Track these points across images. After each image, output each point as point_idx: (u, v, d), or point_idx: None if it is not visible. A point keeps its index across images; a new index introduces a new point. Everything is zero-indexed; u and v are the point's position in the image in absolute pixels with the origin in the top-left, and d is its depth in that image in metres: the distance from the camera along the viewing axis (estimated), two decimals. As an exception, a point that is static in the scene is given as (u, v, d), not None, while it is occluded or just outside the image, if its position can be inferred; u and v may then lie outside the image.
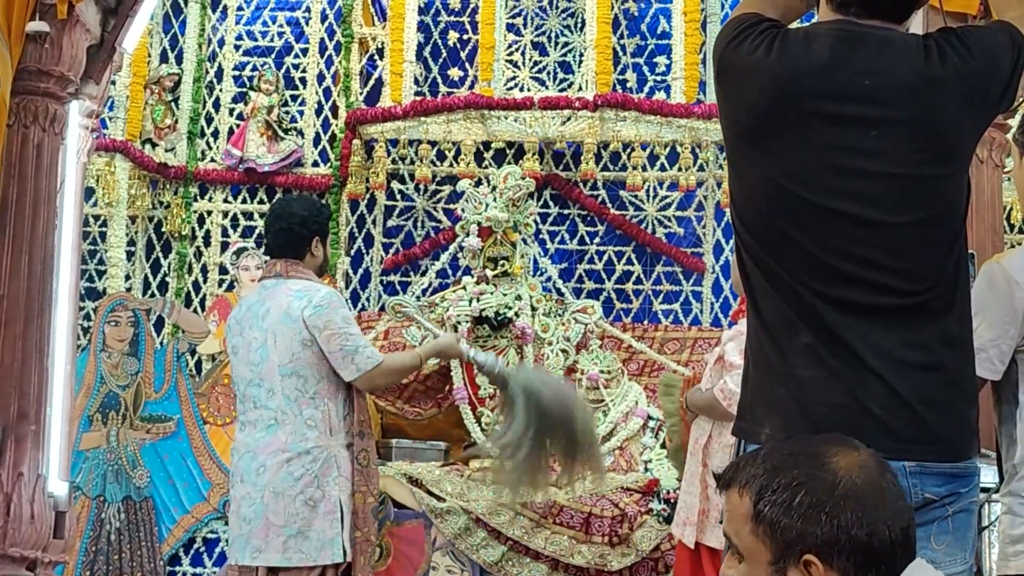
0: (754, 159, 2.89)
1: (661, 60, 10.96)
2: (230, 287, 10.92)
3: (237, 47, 11.60)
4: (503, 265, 9.25)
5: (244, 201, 11.39)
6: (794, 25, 3.07)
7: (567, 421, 5.90)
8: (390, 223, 11.20)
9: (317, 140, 11.39)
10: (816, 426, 2.77)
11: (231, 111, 11.50)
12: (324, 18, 11.54)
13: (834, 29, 2.89)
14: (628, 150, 10.64)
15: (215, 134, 11.47)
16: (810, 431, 2.77)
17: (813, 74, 2.84)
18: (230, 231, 11.32)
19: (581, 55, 10.86)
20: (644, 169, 10.65)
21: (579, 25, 10.98)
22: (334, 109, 11.38)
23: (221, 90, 11.54)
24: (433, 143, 10.74)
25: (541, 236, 10.95)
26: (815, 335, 2.81)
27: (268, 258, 6.43)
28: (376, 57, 11.30)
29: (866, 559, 2.39)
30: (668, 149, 10.75)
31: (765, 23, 2.94)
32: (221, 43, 11.60)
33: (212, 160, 11.38)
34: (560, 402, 5.93)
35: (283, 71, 11.48)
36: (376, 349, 6.25)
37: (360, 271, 11.10)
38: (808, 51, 2.86)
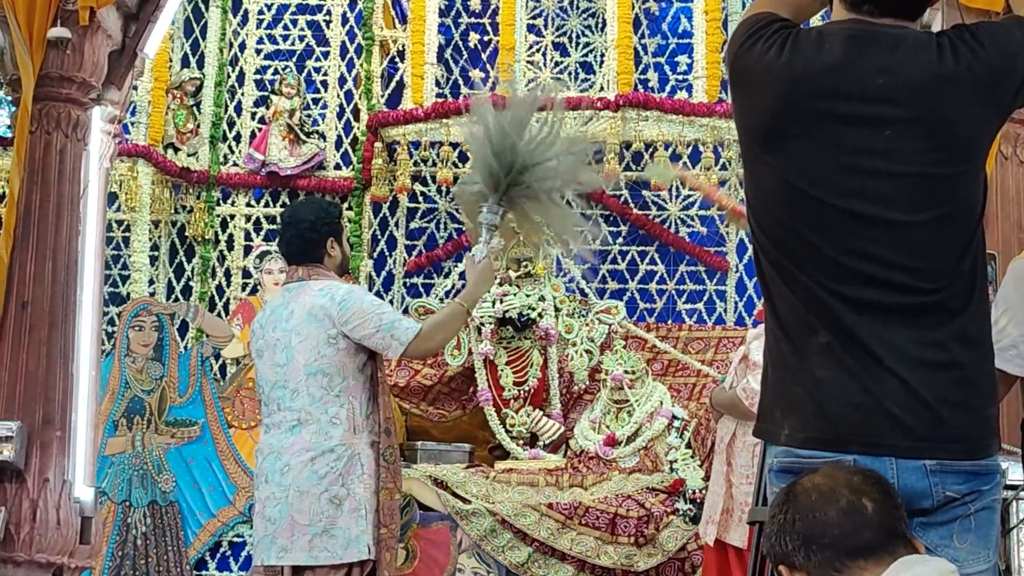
0: (768, 160, 2.88)
1: (682, 59, 10.95)
2: (253, 291, 10.94)
3: (258, 51, 11.63)
4: (526, 266, 9.25)
5: (267, 205, 11.41)
6: (815, 20, 3.06)
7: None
8: (412, 225, 11.21)
9: (339, 143, 11.41)
10: (834, 426, 2.77)
11: (253, 115, 11.53)
12: (345, 21, 11.56)
13: (846, 28, 2.87)
14: (650, 149, 10.62)
15: (237, 138, 11.50)
16: (828, 431, 2.77)
17: (825, 74, 2.83)
18: (253, 235, 11.34)
19: (602, 55, 10.85)
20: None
21: (600, 25, 10.98)
22: (355, 112, 11.40)
23: (243, 94, 11.57)
24: (455, 145, 10.73)
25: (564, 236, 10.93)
26: (832, 335, 2.80)
27: (289, 265, 6.44)
28: (397, 59, 11.32)
29: (822, 548, 2.56)
30: (690, 148, 10.74)
31: (777, 23, 2.93)
32: (242, 47, 11.63)
33: (234, 164, 11.41)
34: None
35: (304, 74, 11.50)
36: (412, 320, 6.23)
37: (383, 273, 11.11)
38: (820, 51, 2.84)
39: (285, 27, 11.66)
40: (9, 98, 9.21)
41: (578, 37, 11.11)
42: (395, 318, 6.05)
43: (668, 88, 10.92)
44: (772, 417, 2.89)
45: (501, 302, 9.12)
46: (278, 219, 11.08)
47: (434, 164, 10.90)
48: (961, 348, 2.79)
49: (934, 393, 2.75)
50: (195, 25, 11.60)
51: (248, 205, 11.42)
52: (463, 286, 9.89)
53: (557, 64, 11.03)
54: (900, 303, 2.78)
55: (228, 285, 11.29)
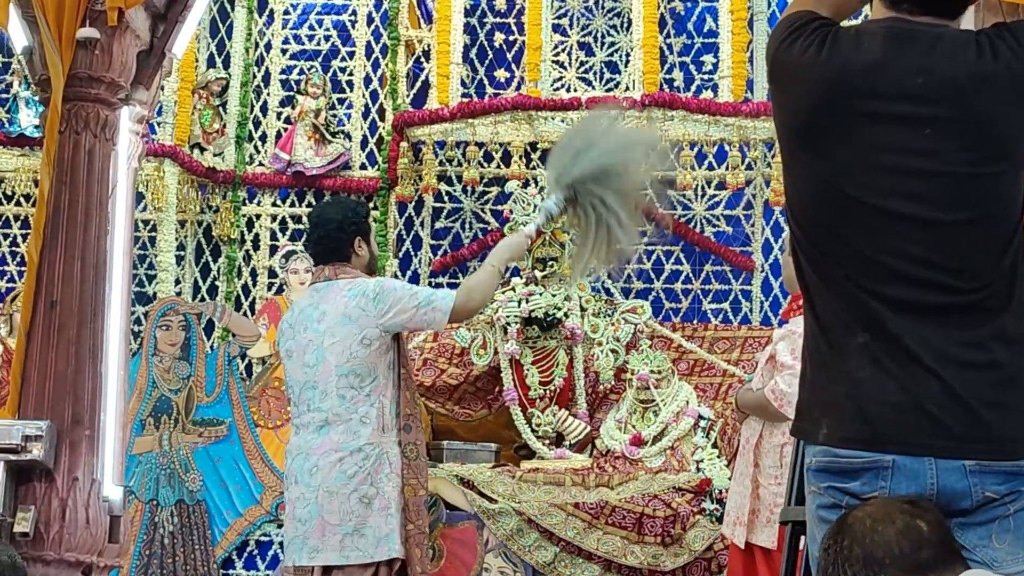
0: (807, 160, 2.88)
1: (708, 59, 10.93)
2: (279, 290, 10.96)
3: (284, 51, 11.65)
4: (552, 266, 9.25)
5: (292, 204, 11.43)
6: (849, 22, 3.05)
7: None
8: (438, 225, 11.22)
9: (364, 143, 11.42)
10: (872, 426, 2.76)
11: (278, 115, 11.55)
12: (370, 21, 11.58)
13: (885, 27, 2.86)
14: (676, 149, 10.60)
15: (263, 138, 11.52)
16: (866, 431, 2.77)
17: (864, 73, 2.82)
18: (279, 234, 11.37)
19: (628, 55, 10.85)
20: (692, 168, 10.62)
21: (625, 25, 10.97)
22: (381, 112, 11.41)
23: (268, 94, 11.59)
24: (480, 144, 10.74)
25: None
26: (871, 335, 2.79)
27: (316, 265, 6.45)
28: (423, 59, 11.33)
29: (884, 569, 2.57)
30: (716, 148, 10.74)
31: (816, 22, 2.92)
32: (268, 47, 11.65)
33: (260, 164, 11.43)
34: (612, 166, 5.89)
35: (330, 74, 11.52)
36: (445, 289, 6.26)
37: (408, 273, 11.11)
38: (859, 50, 2.84)
39: (311, 27, 11.68)
40: (37, 98, 9.23)
41: (603, 37, 11.09)
42: (429, 292, 6.09)
43: (694, 88, 10.90)
44: (810, 416, 2.89)
45: (527, 302, 9.12)
46: (304, 219, 11.10)
47: (459, 164, 10.90)
48: (1001, 348, 2.78)
49: (973, 393, 2.74)
50: (221, 25, 11.63)
51: (274, 205, 11.44)
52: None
53: (582, 64, 11.02)
54: (939, 303, 2.77)
55: (254, 285, 11.31)
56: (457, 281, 10.86)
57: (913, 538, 2.58)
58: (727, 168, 10.58)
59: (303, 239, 10.53)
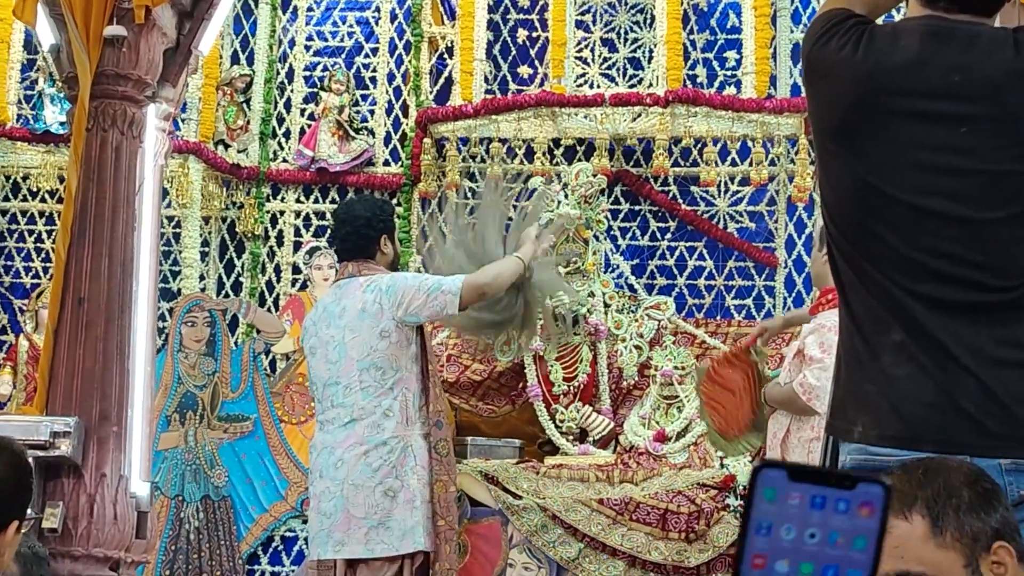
0: (843, 157, 2.89)
1: (731, 55, 10.92)
2: (303, 286, 10.98)
3: (308, 47, 11.66)
4: (575, 262, 9.24)
5: (316, 201, 11.45)
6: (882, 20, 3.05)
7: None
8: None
9: (388, 139, 11.43)
10: (908, 424, 2.77)
11: (302, 111, 11.56)
12: (393, 17, 11.58)
13: (922, 24, 2.87)
14: (699, 145, 10.59)
15: (287, 134, 11.54)
16: (901, 429, 2.77)
17: (901, 71, 2.83)
18: (302, 231, 11.39)
19: (651, 51, 10.84)
20: (716, 164, 10.61)
21: (648, 21, 10.95)
22: (404, 108, 11.41)
23: (292, 91, 11.61)
24: (504, 141, 10.74)
25: (612, 232, 10.93)
26: (906, 333, 2.80)
27: (340, 262, 6.48)
28: (446, 56, 11.33)
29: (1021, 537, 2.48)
30: (739, 144, 10.73)
31: (852, 20, 2.93)
32: (292, 44, 11.67)
33: (284, 160, 11.45)
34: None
35: (353, 71, 11.52)
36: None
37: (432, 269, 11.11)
38: (896, 48, 2.84)
39: (334, 23, 11.69)
40: (63, 95, 9.27)
41: (627, 33, 11.08)
42: (438, 278, 6.14)
43: (717, 84, 10.89)
44: (844, 414, 2.89)
45: (551, 298, 9.12)
46: (327, 215, 11.11)
47: (483, 160, 10.91)
48: None
49: (1010, 391, 2.75)
50: (244, 21, 11.64)
51: (298, 201, 11.46)
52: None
53: (605, 60, 11.01)
54: (975, 301, 2.78)
55: (278, 281, 11.33)
56: (480, 278, 10.86)
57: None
58: (750, 164, 10.56)
59: (328, 235, 10.60)
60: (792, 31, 10.70)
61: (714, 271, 10.92)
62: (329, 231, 9.91)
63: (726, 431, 6.04)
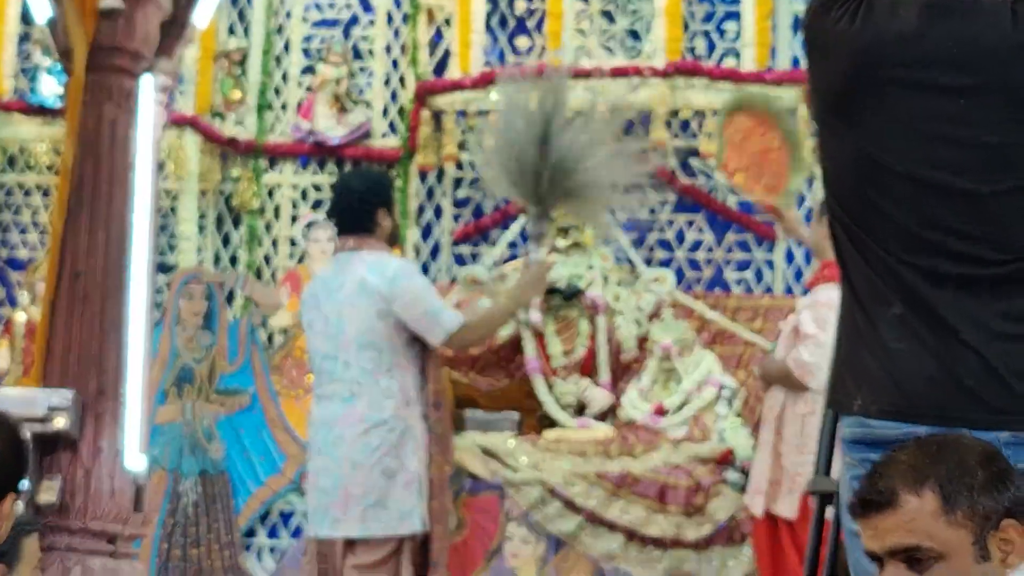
0: (842, 130, 2.87)
1: (731, 26, 10.86)
2: (300, 260, 10.96)
3: (304, 19, 11.60)
4: (574, 235, 9.22)
5: (314, 173, 11.41)
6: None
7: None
8: (459, 194, 11.19)
9: (385, 112, 11.39)
10: (907, 398, 2.76)
11: (299, 84, 11.52)
12: (391, -11, 11.53)
13: None
14: (698, 117, 10.56)
15: (284, 107, 11.50)
16: (901, 403, 2.76)
17: (899, 42, 2.81)
18: (300, 204, 11.36)
19: (650, 22, 10.79)
20: (715, 137, 10.56)
21: (647, -8, 10.91)
22: (402, 81, 11.37)
23: (289, 63, 11.56)
24: (502, 113, 10.70)
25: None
26: (906, 306, 2.79)
27: (339, 235, 6.46)
28: (443, 28, 11.28)
29: None
30: (739, 116, 10.68)
31: None
32: (288, 16, 11.61)
33: (281, 133, 11.41)
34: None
35: (351, 43, 11.47)
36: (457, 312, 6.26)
37: (430, 242, 11.10)
38: (894, 18, 2.82)
39: (331, -5, 11.65)
40: (60, 68, 9.23)
41: (626, 4, 11.02)
42: (442, 305, 6.11)
43: (716, 55, 10.85)
44: (844, 387, 2.89)
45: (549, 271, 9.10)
46: (325, 188, 11.09)
47: (481, 133, 10.87)
48: None
49: (1011, 366, 2.73)
50: (241, -7, 11.60)
51: (295, 174, 11.42)
52: (512, 255, 9.91)
53: (604, 32, 10.97)
54: (975, 274, 2.76)
55: (275, 254, 11.30)
56: (478, 251, 10.85)
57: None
58: (750, 136, 10.53)
59: (326, 208, 10.58)
60: (792, 2, 10.65)
61: (713, 244, 10.89)
62: (328, 204, 9.90)
63: (773, 188, 6.02)
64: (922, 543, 2.46)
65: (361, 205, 6.24)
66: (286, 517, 9.31)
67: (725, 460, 8.24)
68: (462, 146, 10.97)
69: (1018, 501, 2.46)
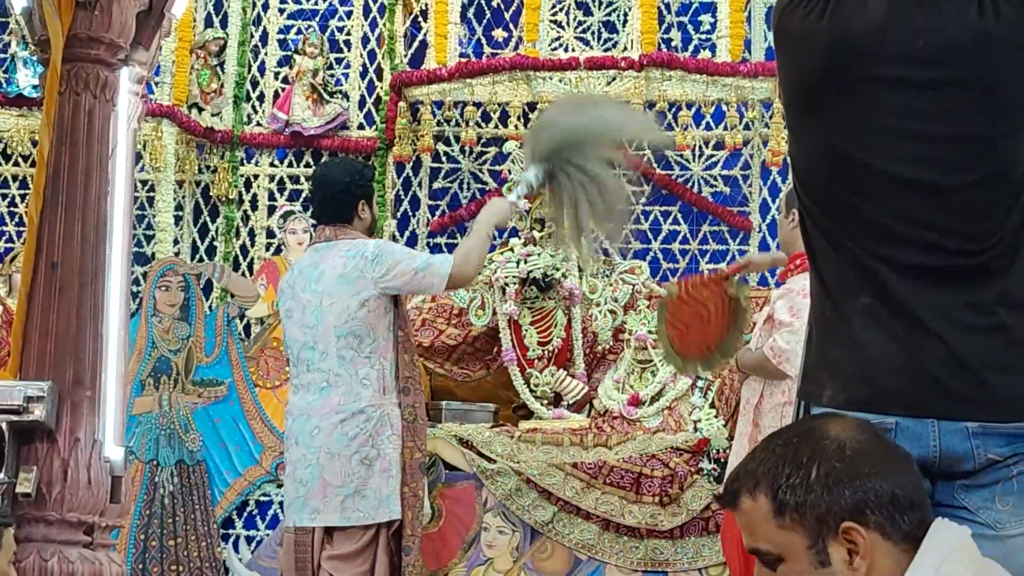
0: (812, 125, 2.89)
1: (706, 18, 10.90)
2: (277, 251, 10.97)
3: (282, 10, 11.62)
4: (551, 226, 9.24)
5: (290, 164, 11.43)
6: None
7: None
8: (436, 185, 11.21)
9: (362, 103, 11.41)
10: (875, 388, 2.78)
11: (276, 75, 11.53)
12: (368, -20, 11.54)
13: None
14: (673, 109, 10.59)
15: (260, 98, 11.51)
16: (869, 394, 2.78)
17: (865, 36, 2.82)
18: (277, 195, 11.37)
19: (626, 14, 10.81)
20: (690, 128, 10.60)
21: (623, -16, 10.93)
22: (379, 72, 11.39)
23: (266, 54, 11.57)
24: (478, 104, 10.72)
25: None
26: (875, 297, 2.80)
27: (317, 225, 6.46)
28: (420, 19, 11.29)
29: (895, 510, 2.38)
30: (714, 108, 10.72)
31: None
32: (266, 7, 11.62)
33: (258, 124, 11.42)
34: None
35: (328, 34, 11.48)
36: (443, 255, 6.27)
37: (406, 233, 11.12)
38: (862, 12, 2.84)
39: (308, -14, 11.65)
40: (36, 58, 9.22)
41: (602, -4, 11.06)
42: (427, 256, 6.16)
43: (691, 47, 10.88)
44: (814, 378, 2.90)
45: (525, 262, 9.13)
46: (302, 179, 11.11)
47: (457, 124, 10.89)
48: (1006, 311, 2.79)
49: (978, 357, 2.75)
50: (218, -16, 11.60)
51: (272, 165, 11.43)
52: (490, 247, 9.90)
53: (580, 23, 10.99)
54: (943, 266, 2.78)
55: (252, 245, 11.31)
56: (455, 242, 10.84)
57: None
58: (725, 128, 10.57)
59: (305, 199, 10.59)
60: (765, -4, 10.70)
61: (688, 235, 10.94)
62: (306, 194, 9.91)
63: (684, 350, 5.98)
64: (760, 546, 2.42)
65: (342, 196, 6.25)
66: (263, 507, 9.33)
67: (700, 450, 8.26)
68: (438, 137, 10.99)
69: (858, 502, 2.36)
